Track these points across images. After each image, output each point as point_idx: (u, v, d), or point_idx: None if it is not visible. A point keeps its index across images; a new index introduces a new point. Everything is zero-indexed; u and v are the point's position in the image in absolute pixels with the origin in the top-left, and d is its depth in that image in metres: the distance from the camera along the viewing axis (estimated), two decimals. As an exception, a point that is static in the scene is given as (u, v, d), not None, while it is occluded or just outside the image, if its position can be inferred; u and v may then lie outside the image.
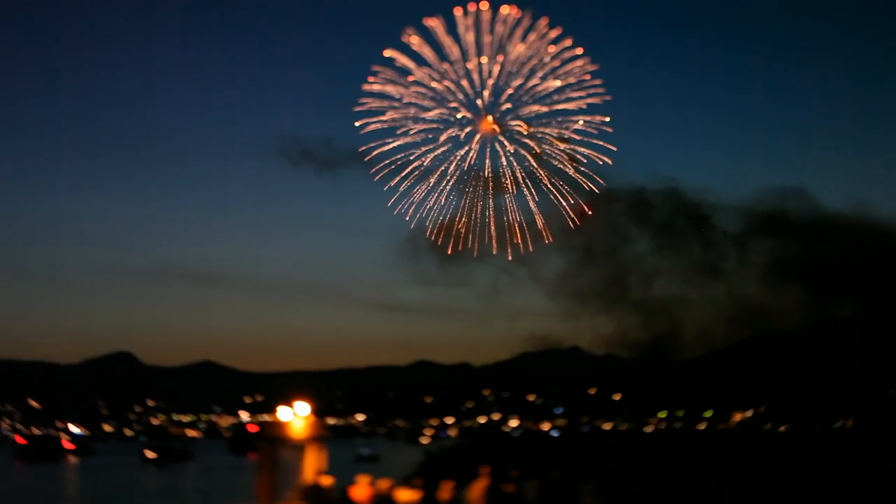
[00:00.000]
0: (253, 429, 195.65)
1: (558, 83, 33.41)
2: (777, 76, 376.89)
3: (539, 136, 33.75)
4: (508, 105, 33.89)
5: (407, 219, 34.37)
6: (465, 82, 33.50)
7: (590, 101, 33.52)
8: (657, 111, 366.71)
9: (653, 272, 58.31)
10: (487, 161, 34.56)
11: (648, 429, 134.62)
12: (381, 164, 33.61)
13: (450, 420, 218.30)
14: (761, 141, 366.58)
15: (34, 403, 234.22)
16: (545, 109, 33.96)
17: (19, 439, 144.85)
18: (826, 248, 53.95)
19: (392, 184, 33.73)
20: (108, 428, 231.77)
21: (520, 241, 34.50)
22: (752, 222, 55.85)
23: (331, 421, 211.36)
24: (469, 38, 32.71)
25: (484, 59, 33.16)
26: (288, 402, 20.82)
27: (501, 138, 34.24)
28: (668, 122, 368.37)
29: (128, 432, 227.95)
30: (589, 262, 50.83)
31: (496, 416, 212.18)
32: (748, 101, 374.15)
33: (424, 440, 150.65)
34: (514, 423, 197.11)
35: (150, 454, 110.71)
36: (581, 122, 33.60)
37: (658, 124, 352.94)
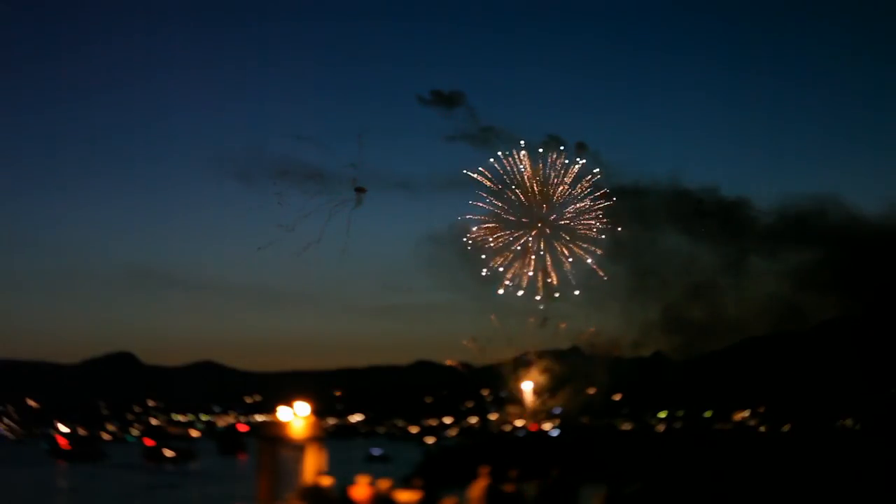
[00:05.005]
0: (243, 429, 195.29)
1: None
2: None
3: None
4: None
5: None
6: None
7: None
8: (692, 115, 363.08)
9: (668, 275, 59.28)
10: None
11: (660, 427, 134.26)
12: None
13: (449, 420, 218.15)
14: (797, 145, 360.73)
15: (33, 403, 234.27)
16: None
17: (60, 439, 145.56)
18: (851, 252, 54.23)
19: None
20: (111, 427, 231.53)
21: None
22: (782, 226, 56.58)
23: (331, 421, 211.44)
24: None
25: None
26: (288, 402, 20.78)
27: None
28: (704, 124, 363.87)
29: (134, 432, 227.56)
30: (610, 264, 55.35)
31: (493, 416, 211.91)
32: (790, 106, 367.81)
33: (429, 440, 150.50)
34: (519, 422, 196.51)
35: (169, 453, 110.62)
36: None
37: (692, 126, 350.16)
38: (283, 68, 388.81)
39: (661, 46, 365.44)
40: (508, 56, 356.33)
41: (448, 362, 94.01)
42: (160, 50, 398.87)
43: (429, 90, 67.34)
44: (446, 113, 61.94)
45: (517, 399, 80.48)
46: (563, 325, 69.73)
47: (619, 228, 59.71)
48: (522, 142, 61.57)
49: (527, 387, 77.32)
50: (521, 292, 64.07)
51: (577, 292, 63.70)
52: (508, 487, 19.35)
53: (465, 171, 61.35)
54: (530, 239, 62.38)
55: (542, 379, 79.39)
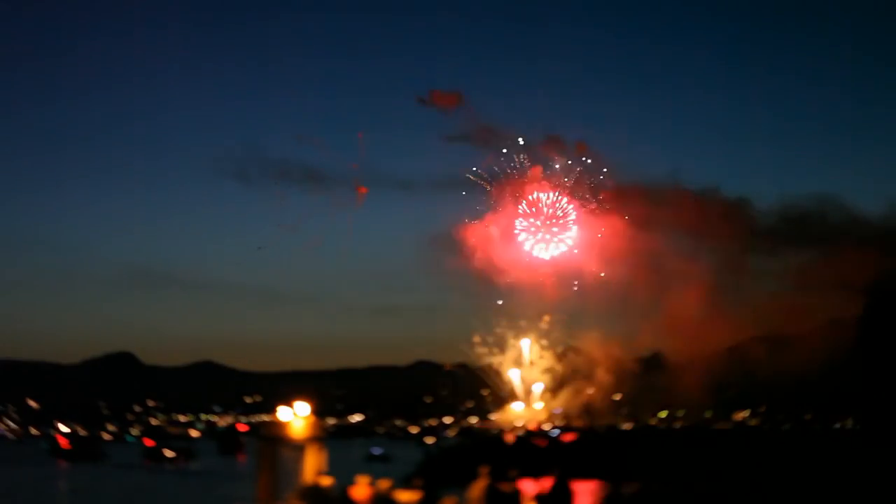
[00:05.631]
0: (243, 429, 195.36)
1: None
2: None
3: None
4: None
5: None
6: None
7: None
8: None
9: (670, 275, 59.35)
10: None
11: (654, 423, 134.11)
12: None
13: (449, 420, 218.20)
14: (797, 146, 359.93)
15: (33, 403, 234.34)
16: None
17: (60, 439, 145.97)
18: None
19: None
20: (111, 427, 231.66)
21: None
22: (782, 226, 56.69)
23: (331, 421, 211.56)
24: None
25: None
26: (288, 402, 20.80)
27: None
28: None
29: (134, 432, 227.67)
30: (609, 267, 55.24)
31: (494, 416, 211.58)
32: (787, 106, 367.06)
33: (429, 440, 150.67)
34: (519, 422, 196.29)
35: (169, 453, 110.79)
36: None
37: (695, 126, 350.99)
38: (282, 67, 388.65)
39: (662, 45, 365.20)
40: (508, 54, 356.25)
41: (446, 366, 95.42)
42: (160, 48, 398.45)
43: (428, 89, 67.47)
44: (446, 113, 61.84)
45: (516, 392, 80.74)
46: (563, 329, 69.83)
47: (620, 228, 59.66)
48: (522, 140, 61.41)
49: (524, 344, 77.19)
50: (521, 293, 63.91)
51: (577, 293, 63.60)
52: (507, 487, 19.35)
53: (464, 172, 61.26)
54: (530, 238, 62.45)
55: (543, 378, 79.51)
